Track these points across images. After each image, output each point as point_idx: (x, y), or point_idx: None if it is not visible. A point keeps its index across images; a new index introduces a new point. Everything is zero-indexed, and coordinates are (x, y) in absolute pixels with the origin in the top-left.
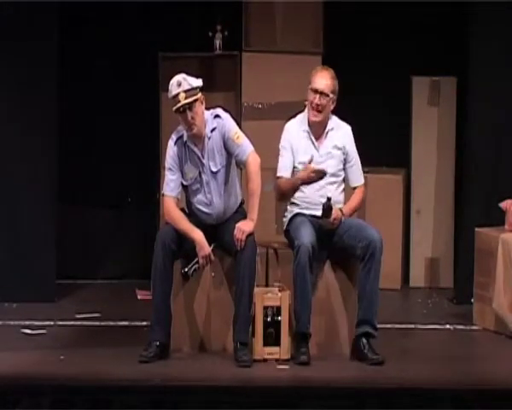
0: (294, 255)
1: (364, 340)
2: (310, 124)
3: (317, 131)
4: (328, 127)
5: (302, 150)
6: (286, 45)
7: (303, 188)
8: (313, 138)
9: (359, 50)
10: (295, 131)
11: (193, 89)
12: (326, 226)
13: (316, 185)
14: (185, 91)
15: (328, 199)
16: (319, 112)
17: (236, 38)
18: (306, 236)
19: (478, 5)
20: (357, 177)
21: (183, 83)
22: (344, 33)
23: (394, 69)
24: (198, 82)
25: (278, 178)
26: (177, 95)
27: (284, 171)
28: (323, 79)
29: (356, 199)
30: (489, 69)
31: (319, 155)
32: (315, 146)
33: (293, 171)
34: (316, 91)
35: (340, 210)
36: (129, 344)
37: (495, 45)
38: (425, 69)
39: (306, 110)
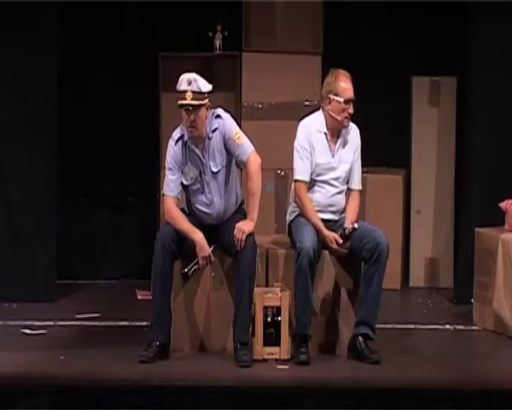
0: (296, 258)
1: (361, 339)
2: (329, 127)
3: (334, 133)
4: (344, 132)
5: (319, 151)
6: (286, 45)
7: (315, 191)
8: (330, 142)
9: (359, 50)
10: (313, 129)
11: (201, 93)
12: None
13: (326, 193)
14: (193, 92)
15: (354, 229)
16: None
17: (236, 38)
18: (309, 240)
19: (478, 5)
20: (358, 180)
21: (193, 83)
22: (344, 33)
23: (394, 69)
24: (207, 87)
25: (296, 181)
26: (185, 92)
27: (305, 175)
28: (350, 86)
29: (356, 210)
30: (489, 69)
31: (334, 160)
32: (331, 149)
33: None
34: (349, 101)
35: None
36: (129, 344)
37: (495, 45)
38: (425, 69)
39: (321, 112)
